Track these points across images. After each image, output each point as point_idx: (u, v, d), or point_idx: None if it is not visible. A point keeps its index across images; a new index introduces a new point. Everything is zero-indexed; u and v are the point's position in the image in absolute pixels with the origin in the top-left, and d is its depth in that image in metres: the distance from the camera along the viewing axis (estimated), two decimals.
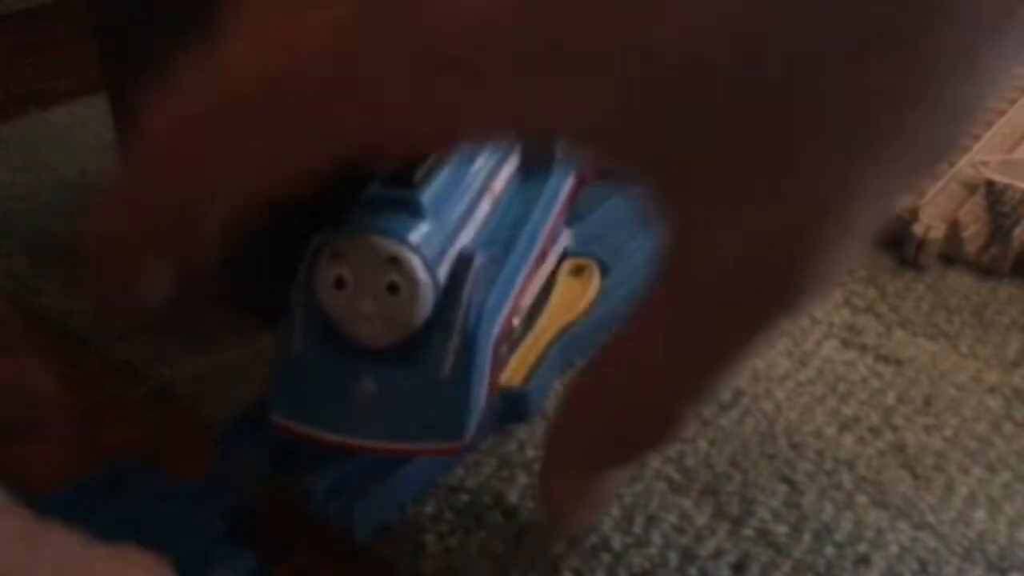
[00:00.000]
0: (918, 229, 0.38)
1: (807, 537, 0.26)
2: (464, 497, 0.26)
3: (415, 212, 0.23)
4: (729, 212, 0.18)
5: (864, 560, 0.25)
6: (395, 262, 0.22)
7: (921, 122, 0.18)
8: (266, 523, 0.25)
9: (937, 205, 0.40)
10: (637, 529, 0.26)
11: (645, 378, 0.20)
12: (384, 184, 0.23)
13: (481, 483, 0.27)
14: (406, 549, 0.25)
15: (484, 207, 0.26)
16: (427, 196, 0.23)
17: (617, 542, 0.25)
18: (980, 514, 0.27)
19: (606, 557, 0.25)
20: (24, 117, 0.46)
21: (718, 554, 0.25)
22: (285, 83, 0.18)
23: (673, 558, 0.25)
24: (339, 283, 0.22)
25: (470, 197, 0.25)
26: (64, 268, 0.35)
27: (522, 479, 0.27)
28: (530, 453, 0.28)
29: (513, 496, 0.27)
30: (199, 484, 0.25)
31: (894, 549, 0.26)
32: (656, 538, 0.26)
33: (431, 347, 0.23)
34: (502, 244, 0.26)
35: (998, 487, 0.28)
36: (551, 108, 0.18)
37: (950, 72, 0.17)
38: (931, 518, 0.27)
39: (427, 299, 0.23)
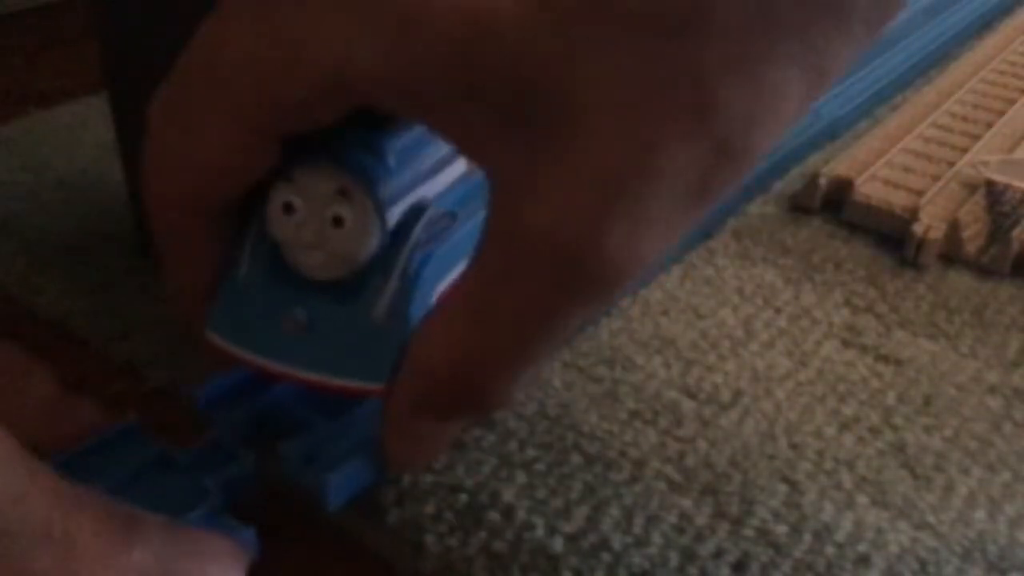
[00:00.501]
0: (918, 229, 0.38)
1: (807, 537, 0.26)
2: (464, 497, 0.26)
3: (376, 152, 0.23)
4: (529, 183, 0.19)
5: (864, 560, 0.25)
6: (344, 194, 0.22)
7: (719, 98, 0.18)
8: (265, 522, 0.25)
9: (937, 205, 0.40)
10: (637, 529, 0.26)
11: (463, 341, 0.21)
12: (358, 124, 0.23)
13: (481, 482, 0.27)
14: (406, 549, 0.25)
15: (457, 170, 0.26)
16: (394, 142, 0.23)
17: (617, 542, 0.25)
18: (980, 514, 0.27)
19: (606, 557, 0.25)
20: (24, 117, 0.46)
21: (718, 554, 0.25)
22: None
23: (673, 558, 0.25)
24: (288, 208, 0.22)
25: (442, 156, 0.25)
26: (64, 268, 0.35)
27: (522, 478, 0.27)
28: (530, 453, 0.28)
29: (513, 495, 0.27)
30: (194, 452, 0.25)
31: (894, 549, 0.26)
32: (656, 538, 0.26)
33: (368, 286, 0.23)
34: (468, 209, 0.26)
35: (998, 487, 0.28)
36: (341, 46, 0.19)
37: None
38: (931, 518, 0.27)
39: (372, 237, 0.23)
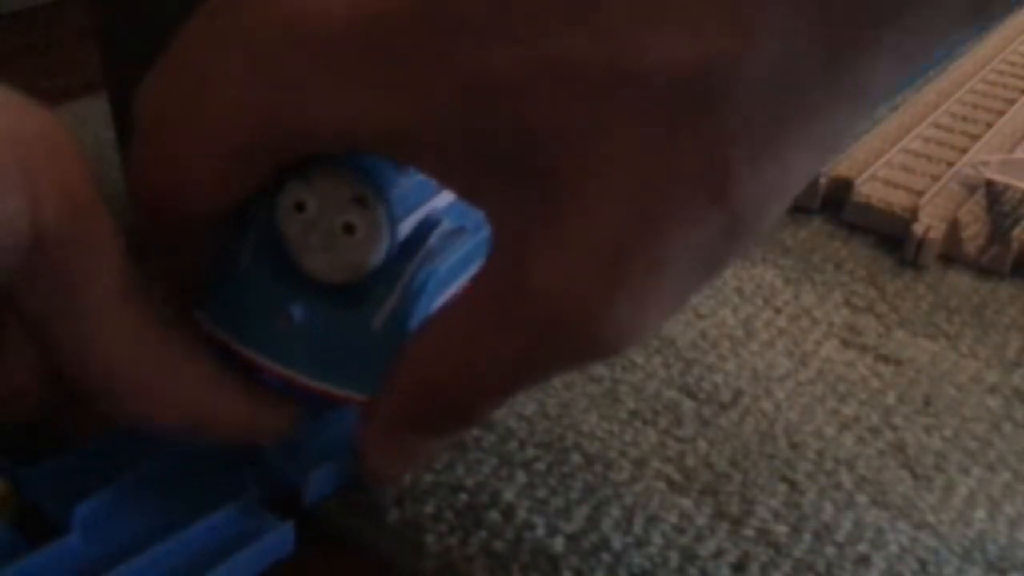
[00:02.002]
0: (918, 229, 0.38)
1: (807, 537, 0.26)
2: (464, 496, 0.26)
3: (397, 165, 0.22)
4: (534, 243, 0.18)
5: (864, 560, 0.25)
6: (360, 202, 0.22)
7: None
8: None
9: (937, 205, 0.40)
10: (637, 529, 0.26)
11: (450, 365, 0.20)
12: None
13: (481, 482, 0.27)
14: (406, 549, 0.25)
15: None
16: None
17: (617, 542, 0.25)
18: (980, 514, 0.27)
19: (606, 557, 0.25)
20: None
21: (718, 554, 0.25)
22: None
23: (673, 558, 0.25)
24: (300, 207, 0.22)
25: None
26: None
27: (521, 478, 0.27)
28: (530, 452, 0.28)
29: (512, 495, 0.27)
30: (233, 446, 0.25)
31: (894, 549, 0.26)
32: (656, 538, 0.26)
33: (370, 296, 0.23)
34: (476, 223, 0.26)
35: (998, 487, 0.28)
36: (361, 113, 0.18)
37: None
38: (931, 518, 0.27)
39: (380, 248, 0.22)
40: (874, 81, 0.17)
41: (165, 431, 0.22)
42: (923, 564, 0.25)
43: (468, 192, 0.20)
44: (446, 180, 0.20)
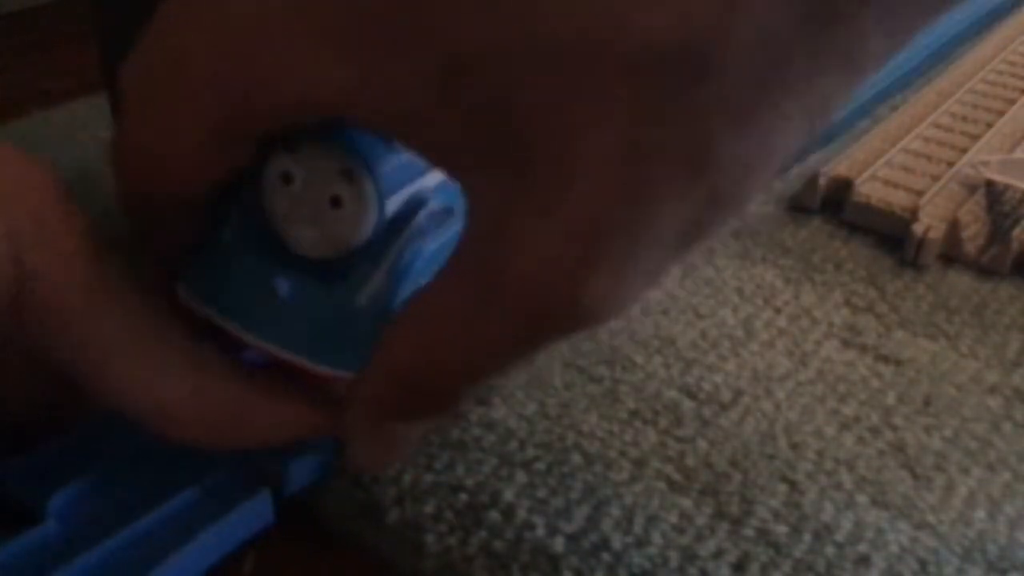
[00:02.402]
0: (918, 229, 0.38)
1: (807, 537, 0.26)
2: (464, 496, 0.26)
3: (387, 140, 0.22)
4: (508, 223, 0.18)
5: (864, 560, 0.25)
6: (348, 176, 0.21)
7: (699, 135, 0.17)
8: None
9: (937, 205, 0.40)
10: (637, 529, 0.26)
11: (429, 348, 0.20)
12: None
13: (481, 482, 0.27)
14: (406, 549, 0.25)
15: None
16: None
17: (617, 542, 0.25)
18: (980, 514, 0.27)
19: (606, 557, 0.25)
20: (24, 117, 0.46)
21: (718, 554, 0.25)
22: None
23: (673, 558, 0.25)
24: (286, 178, 0.22)
25: None
26: None
27: (521, 478, 0.27)
28: (530, 452, 0.28)
29: (512, 495, 0.27)
30: None
31: (894, 549, 0.26)
32: (656, 538, 0.26)
33: (356, 272, 0.22)
34: (464, 204, 0.25)
35: (998, 487, 0.28)
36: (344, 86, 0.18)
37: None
38: (931, 518, 0.27)
39: (367, 223, 0.22)
40: (863, 51, 0.17)
41: (185, 443, 0.22)
42: (923, 564, 0.25)
43: (446, 165, 0.20)
44: (424, 151, 0.19)
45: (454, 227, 0.23)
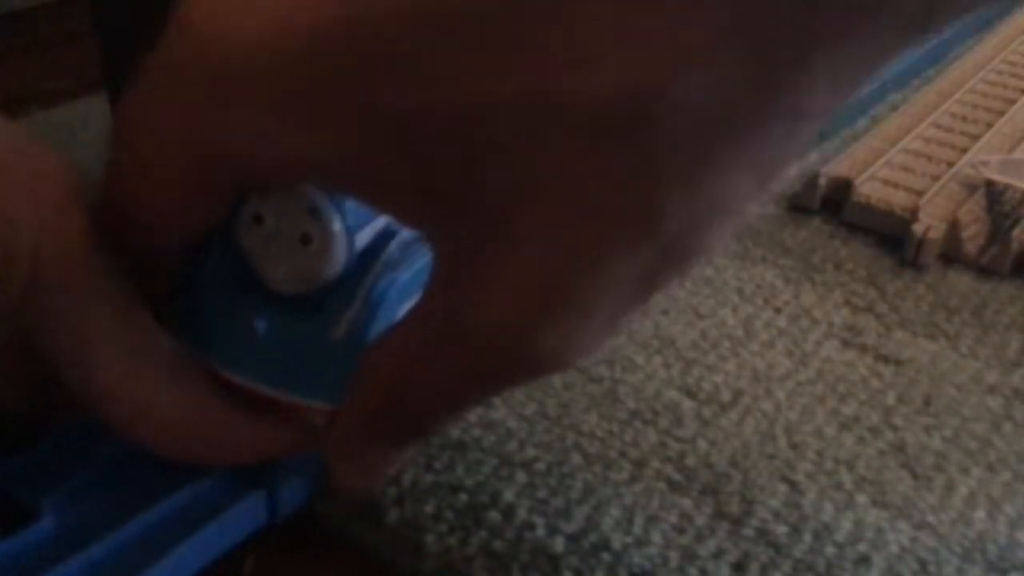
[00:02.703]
0: (918, 229, 0.38)
1: (807, 537, 0.26)
2: (464, 496, 0.26)
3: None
4: (466, 275, 0.19)
5: (864, 560, 0.25)
6: (315, 214, 0.22)
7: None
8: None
9: (937, 205, 0.40)
10: (637, 529, 0.26)
11: (401, 381, 0.21)
12: None
13: (480, 482, 0.27)
14: (406, 549, 0.25)
15: None
16: None
17: (617, 542, 0.25)
18: (980, 514, 0.27)
19: (606, 557, 0.25)
20: (25, 116, 0.46)
21: (718, 554, 0.25)
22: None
23: (673, 558, 0.25)
24: (258, 219, 0.22)
25: None
26: None
27: (521, 478, 0.27)
28: (530, 452, 0.28)
29: (512, 495, 0.27)
30: None
31: (894, 549, 0.26)
32: (656, 538, 0.26)
33: (330, 306, 0.23)
34: None
35: (998, 487, 0.28)
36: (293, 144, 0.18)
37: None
38: (931, 518, 0.27)
39: (337, 258, 0.22)
40: (811, 104, 0.17)
41: (167, 455, 0.23)
42: (923, 564, 0.25)
43: (406, 220, 0.20)
44: (385, 209, 0.20)
45: (428, 255, 0.24)
